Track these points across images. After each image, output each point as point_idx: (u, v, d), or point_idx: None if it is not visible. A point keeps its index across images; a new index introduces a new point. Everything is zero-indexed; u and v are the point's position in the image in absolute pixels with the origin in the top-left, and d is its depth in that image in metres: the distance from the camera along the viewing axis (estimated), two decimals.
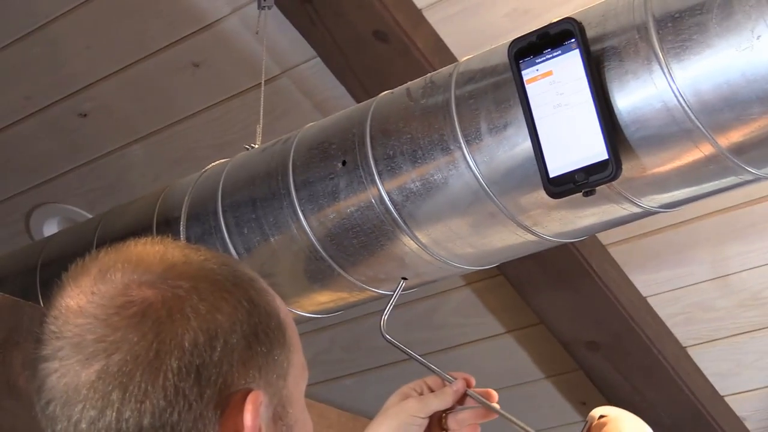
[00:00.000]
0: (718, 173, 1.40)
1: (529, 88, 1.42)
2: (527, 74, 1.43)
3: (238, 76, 2.42)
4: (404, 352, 1.56)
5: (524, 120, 1.43)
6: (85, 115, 2.59)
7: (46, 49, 2.45)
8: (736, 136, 1.33)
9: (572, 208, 1.50)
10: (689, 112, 1.33)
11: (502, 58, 1.47)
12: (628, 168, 1.38)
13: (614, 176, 1.37)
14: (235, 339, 0.92)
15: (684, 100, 1.32)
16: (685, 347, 2.65)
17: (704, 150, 1.36)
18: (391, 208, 1.60)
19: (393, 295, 1.65)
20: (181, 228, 1.84)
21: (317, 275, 1.73)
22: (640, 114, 1.36)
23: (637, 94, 1.36)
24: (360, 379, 3.06)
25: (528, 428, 1.44)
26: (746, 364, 2.67)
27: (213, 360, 0.90)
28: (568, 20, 1.40)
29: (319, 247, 1.68)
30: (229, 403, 0.90)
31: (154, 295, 0.91)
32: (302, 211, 1.68)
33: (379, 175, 1.59)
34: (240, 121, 2.48)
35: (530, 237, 1.56)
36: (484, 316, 2.80)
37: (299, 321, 1.72)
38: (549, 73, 1.41)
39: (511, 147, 1.47)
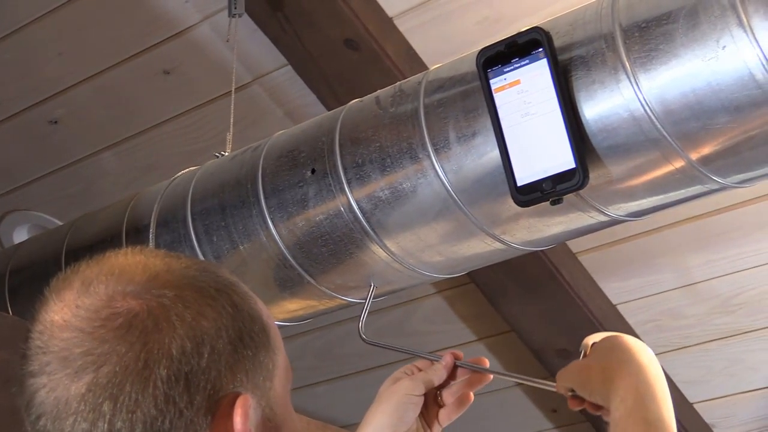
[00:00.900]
0: (684, 182, 1.40)
1: (497, 97, 1.43)
2: (495, 83, 1.43)
3: (209, 83, 2.41)
4: (387, 348, 1.61)
5: (492, 129, 1.43)
6: (56, 122, 2.58)
7: (16, 55, 2.44)
8: (702, 145, 1.34)
9: (540, 216, 1.50)
10: (655, 121, 1.33)
11: (471, 66, 1.48)
12: (595, 177, 1.39)
13: (581, 185, 1.37)
14: (222, 344, 0.93)
15: (650, 109, 1.33)
16: (655, 355, 2.66)
17: (671, 159, 1.36)
18: (360, 217, 1.60)
19: (366, 300, 1.66)
20: (151, 236, 1.84)
21: (287, 283, 1.72)
22: (608, 123, 1.37)
23: (605, 104, 1.36)
24: (332, 386, 3.06)
25: (519, 377, 1.49)
26: (716, 371, 2.69)
27: (201, 366, 0.91)
28: (536, 29, 1.41)
29: (288, 255, 1.68)
30: (219, 408, 0.91)
31: (139, 306, 0.92)
32: (271, 219, 1.68)
33: (348, 183, 1.59)
34: (211, 129, 2.48)
35: (498, 245, 1.57)
36: (455, 323, 2.80)
37: None
38: (517, 82, 1.42)
39: (480, 156, 1.47)
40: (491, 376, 1.49)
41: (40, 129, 2.60)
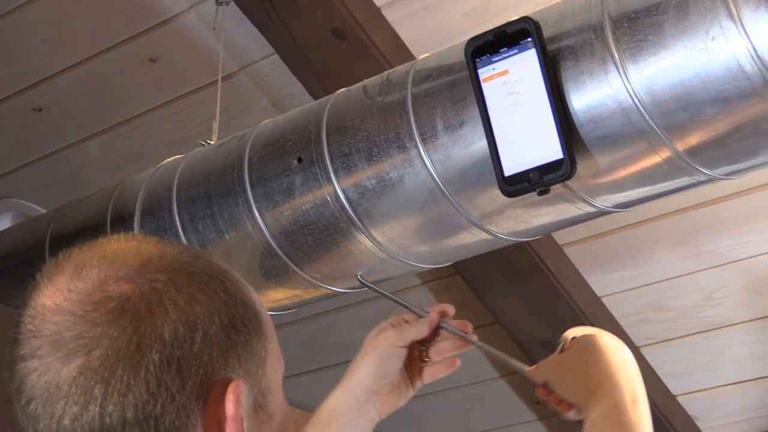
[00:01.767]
0: (671, 173, 1.40)
1: (485, 87, 1.43)
2: (483, 73, 1.43)
3: (195, 72, 2.40)
4: (379, 293, 1.64)
5: (480, 119, 1.43)
6: (40, 110, 2.56)
7: (0, 42, 2.42)
8: (690, 136, 1.34)
9: (527, 207, 1.50)
10: (644, 112, 1.33)
11: (459, 56, 1.48)
12: (582, 167, 1.39)
13: (569, 176, 1.37)
14: (214, 330, 0.92)
15: (639, 100, 1.33)
16: (639, 347, 2.67)
17: (658, 150, 1.36)
18: (347, 206, 1.59)
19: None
20: (136, 224, 1.83)
21: (272, 272, 1.72)
22: (596, 114, 1.37)
23: (593, 94, 1.36)
24: (315, 377, 3.05)
25: (498, 352, 1.50)
26: (699, 364, 2.69)
27: (193, 351, 0.90)
28: (525, 19, 1.41)
29: (273, 244, 1.68)
30: (211, 394, 0.91)
31: (132, 290, 0.91)
32: (257, 207, 1.67)
33: (335, 172, 1.59)
34: (197, 117, 2.47)
35: (485, 236, 1.57)
36: None
37: None
38: (505, 72, 1.41)
39: (467, 146, 1.47)
40: (475, 338, 1.51)
41: (24, 117, 2.58)
